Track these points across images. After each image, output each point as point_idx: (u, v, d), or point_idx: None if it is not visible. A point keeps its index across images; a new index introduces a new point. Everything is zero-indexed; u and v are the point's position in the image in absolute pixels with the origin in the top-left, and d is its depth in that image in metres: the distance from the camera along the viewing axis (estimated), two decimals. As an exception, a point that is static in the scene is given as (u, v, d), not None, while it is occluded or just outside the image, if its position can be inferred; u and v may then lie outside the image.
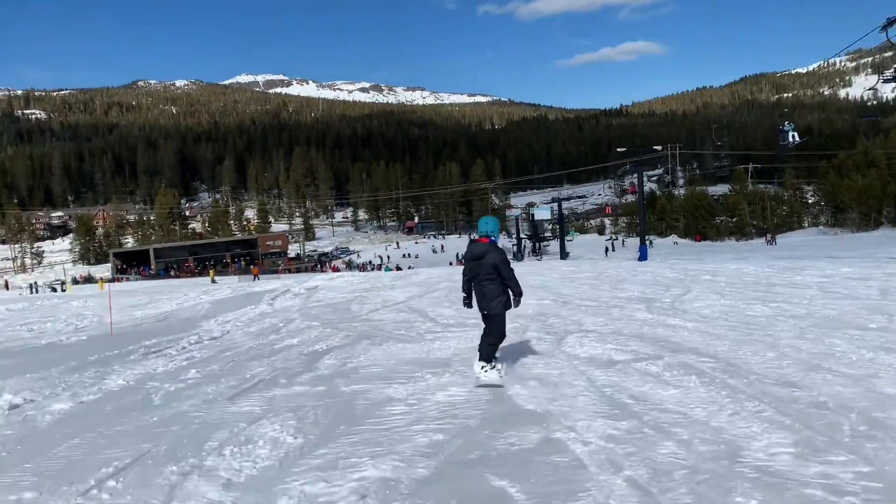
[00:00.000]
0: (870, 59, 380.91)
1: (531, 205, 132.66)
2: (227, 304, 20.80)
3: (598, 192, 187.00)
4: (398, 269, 54.47)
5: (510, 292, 6.37)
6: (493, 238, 6.48)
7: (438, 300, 15.78)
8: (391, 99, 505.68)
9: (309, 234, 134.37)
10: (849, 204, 65.64)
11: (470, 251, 6.48)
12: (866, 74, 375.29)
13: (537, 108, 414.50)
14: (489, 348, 6.33)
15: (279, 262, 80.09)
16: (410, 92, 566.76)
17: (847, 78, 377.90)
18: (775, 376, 5.81)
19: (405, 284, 22.95)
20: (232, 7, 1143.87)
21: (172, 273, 74.44)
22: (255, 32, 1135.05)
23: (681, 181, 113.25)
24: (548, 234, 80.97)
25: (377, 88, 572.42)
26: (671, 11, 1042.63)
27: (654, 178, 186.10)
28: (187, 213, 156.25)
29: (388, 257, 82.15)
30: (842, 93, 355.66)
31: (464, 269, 6.62)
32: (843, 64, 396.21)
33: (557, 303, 13.70)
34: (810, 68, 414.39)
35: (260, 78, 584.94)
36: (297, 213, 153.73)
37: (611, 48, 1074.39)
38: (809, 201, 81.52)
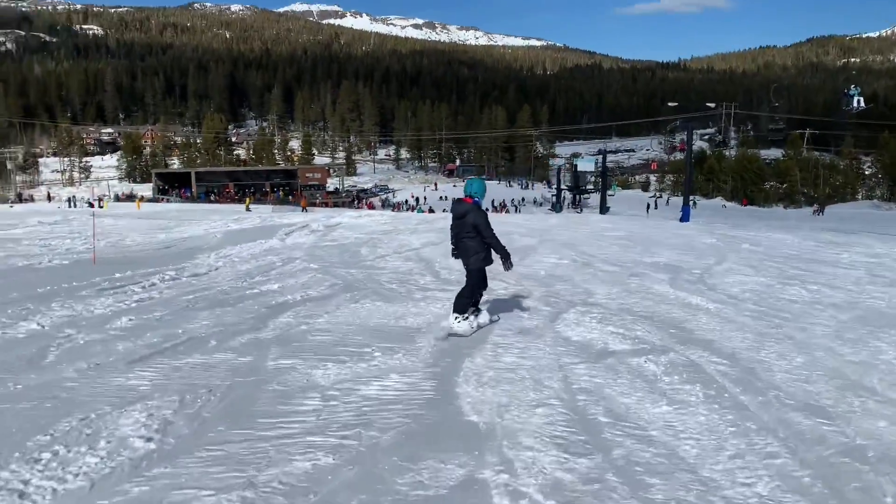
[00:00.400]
0: None
1: (576, 155, 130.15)
2: (241, 236, 20.07)
3: (647, 147, 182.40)
4: (430, 211, 53.28)
5: (493, 251, 6.65)
6: (476, 199, 6.73)
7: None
8: (444, 37, 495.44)
9: (350, 169, 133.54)
10: (910, 177, 62.10)
11: (454, 210, 6.80)
12: None
13: (592, 55, 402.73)
14: (463, 301, 6.57)
15: (317, 195, 79.53)
16: (464, 31, 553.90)
17: None
18: (801, 396, 4.55)
19: (427, 229, 21.89)
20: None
21: (212, 197, 74.47)
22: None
23: (733, 142, 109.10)
24: (589, 186, 79.02)
25: (430, 25, 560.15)
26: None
27: (706, 137, 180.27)
28: (234, 139, 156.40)
29: (425, 199, 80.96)
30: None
31: (451, 226, 6.90)
32: None
33: (576, 264, 12.52)
34: (882, 33, 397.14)
35: (314, 7, 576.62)
36: (341, 148, 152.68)
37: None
38: (866, 172, 77.33)
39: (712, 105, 64.85)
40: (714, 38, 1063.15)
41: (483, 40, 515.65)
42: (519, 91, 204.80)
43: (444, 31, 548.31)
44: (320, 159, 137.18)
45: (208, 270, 11.80)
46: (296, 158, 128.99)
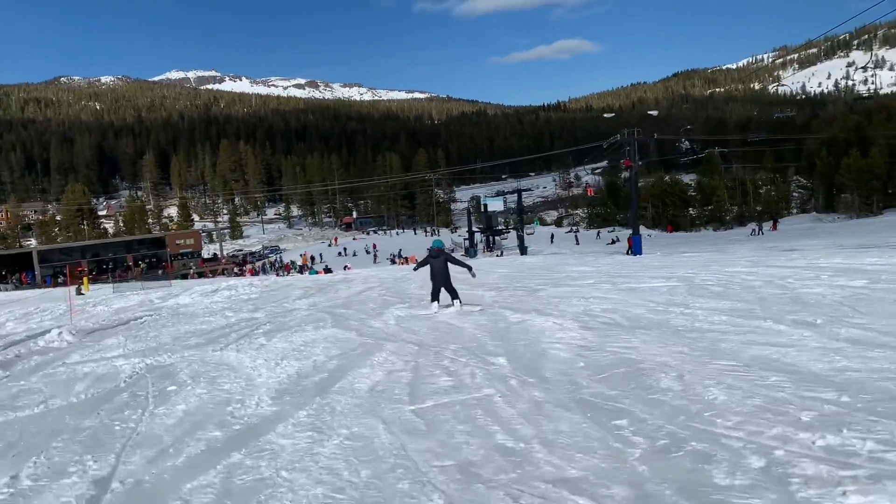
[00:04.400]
0: (795, 55, 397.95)
1: (475, 198, 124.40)
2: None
3: (544, 186, 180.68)
4: (327, 270, 43.30)
5: (455, 269, 12.32)
6: (441, 249, 12.43)
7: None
8: (328, 95, 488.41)
9: (236, 232, 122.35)
10: (848, 185, 57.57)
11: (432, 254, 12.25)
12: (794, 69, 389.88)
13: (475, 104, 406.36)
14: (457, 294, 11.96)
15: (191, 263, 68.50)
16: (347, 88, 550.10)
17: (775, 73, 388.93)
18: None
19: (275, 329, 12.69)
20: (159, 2, 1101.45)
21: (60, 279, 62.05)
22: (186, 28, 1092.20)
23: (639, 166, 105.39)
24: (501, 226, 72.30)
25: (313, 84, 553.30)
26: (605, 10, 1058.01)
27: (599, 171, 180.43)
28: (104, 211, 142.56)
29: (321, 256, 71.36)
30: (771, 88, 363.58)
31: (431, 264, 12.21)
32: (769, 60, 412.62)
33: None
34: (739, 64, 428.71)
35: (191, 74, 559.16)
36: (225, 210, 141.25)
37: (546, 46, 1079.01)
38: (792, 186, 73.09)
39: (654, 112, 58.79)
40: (587, 80, 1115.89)
41: (367, 96, 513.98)
42: (410, 139, 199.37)
43: (328, 88, 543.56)
44: (202, 225, 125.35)
45: None
46: (174, 226, 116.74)
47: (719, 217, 68.51)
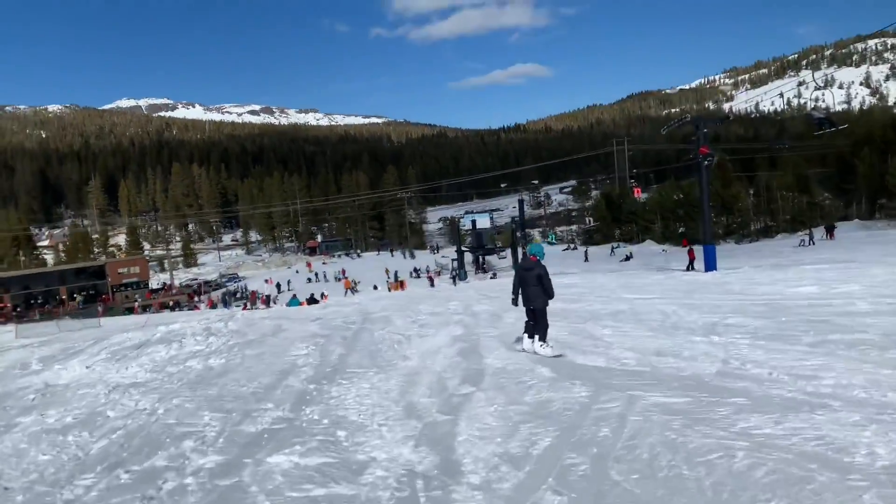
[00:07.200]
0: (746, 76, 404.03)
1: (446, 219, 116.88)
2: None
3: (513, 205, 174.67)
4: (312, 301, 33.80)
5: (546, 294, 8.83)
6: (539, 258, 9.03)
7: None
8: (283, 120, 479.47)
9: (190, 260, 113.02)
10: (900, 188, 51.06)
11: (522, 265, 9.37)
12: (745, 89, 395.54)
13: (434, 127, 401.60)
14: (543, 331, 8.78)
15: (137, 295, 59.45)
16: (303, 114, 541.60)
17: (729, 93, 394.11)
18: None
19: None
20: (110, 28, 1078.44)
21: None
22: (136, 55, 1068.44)
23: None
24: (490, 245, 64.95)
25: (268, 111, 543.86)
26: (559, 36, 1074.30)
27: (567, 190, 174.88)
28: (46, 241, 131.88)
29: (288, 283, 62.82)
30: (725, 107, 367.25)
31: (516, 278, 9.25)
32: (721, 81, 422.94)
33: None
34: (692, 85, 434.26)
35: (142, 102, 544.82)
36: (178, 238, 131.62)
37: (501, 71, 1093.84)
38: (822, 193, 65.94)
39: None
40: (542, 104, 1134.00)
41: (324, 121, 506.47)
42: (373, 160, 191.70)
43: (283, 114, 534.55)
44: (154, 253, 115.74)
45: None
46: (121, 255, 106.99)
47: (741, 229, 61.45)
